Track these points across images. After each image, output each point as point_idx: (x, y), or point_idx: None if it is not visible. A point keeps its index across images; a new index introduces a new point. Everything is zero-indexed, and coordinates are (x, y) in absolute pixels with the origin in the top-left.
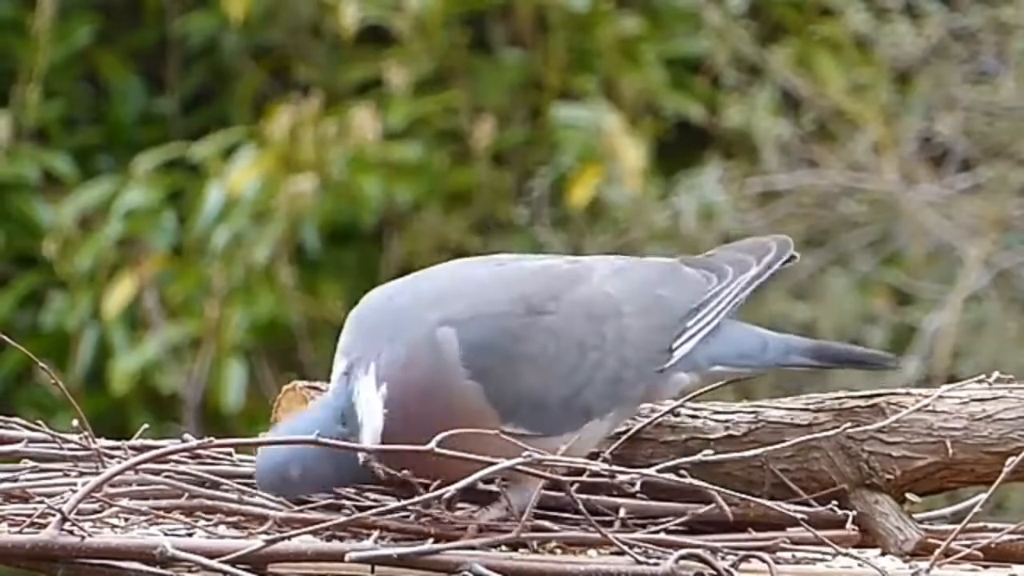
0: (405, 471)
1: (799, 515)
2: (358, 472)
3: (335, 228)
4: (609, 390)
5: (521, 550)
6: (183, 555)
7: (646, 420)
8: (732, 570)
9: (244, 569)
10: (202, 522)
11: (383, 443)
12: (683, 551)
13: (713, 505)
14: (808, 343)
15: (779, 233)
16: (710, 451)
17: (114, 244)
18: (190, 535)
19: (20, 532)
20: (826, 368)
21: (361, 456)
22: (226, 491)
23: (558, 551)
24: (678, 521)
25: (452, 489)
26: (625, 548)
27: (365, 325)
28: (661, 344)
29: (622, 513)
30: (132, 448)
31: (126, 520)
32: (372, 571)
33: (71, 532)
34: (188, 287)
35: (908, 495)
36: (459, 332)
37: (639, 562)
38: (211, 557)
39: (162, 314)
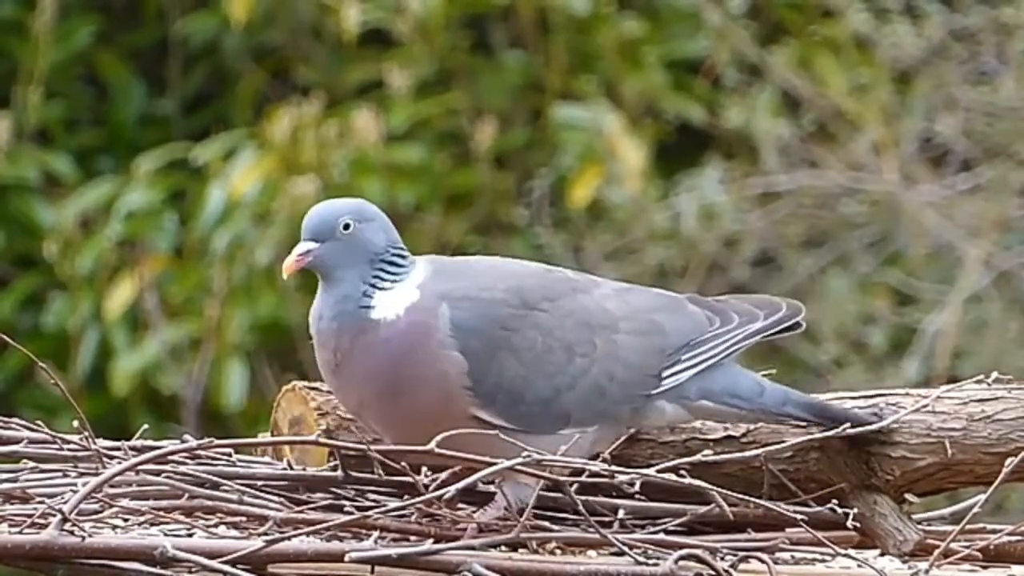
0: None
1: (798, 515)
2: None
3: None
4: (592, 401)
5: (521, 550)
6: (183, 555)
7: None
8: (731, 570)
9: (244, 569)
10: (202, 522)
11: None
12: (683, 551)
13: (713, 505)
14: (807, 399)
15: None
16: (709, 451)
17: (115, 245)
18: (190, 535)
19: (20, 532)
20: (820, 426)
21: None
22: (226, 491)
23: (558, 551)
24: (677, 521)
25: (452, 489)
26: (625, 549)
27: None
28: (651, 368)
29: (621, 514)
30: (132, 449)
31: (126, 520)
32: (372, 571)
33: (71, 532)
34: (189, 288)
35: (907, 495)
36: (451, 309)
37: (639, 562)
38: (211, 557)
39: (163, 315)
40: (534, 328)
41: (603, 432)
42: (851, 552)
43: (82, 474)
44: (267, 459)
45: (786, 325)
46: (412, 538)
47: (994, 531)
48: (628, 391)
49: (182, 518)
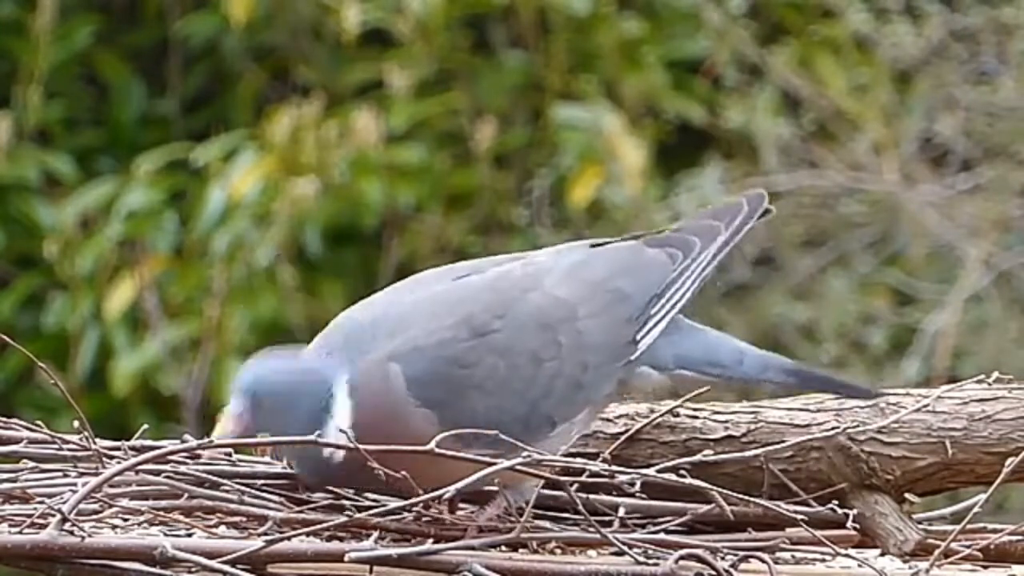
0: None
1: (798, 515)
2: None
3: (336, 229)
4: (572, 396)
5: (521, 550)
6: (183, 555)
7: (646, 420)
8: (732, 570)
9: (244, 569)
10: (202, 522)
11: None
12: (683, 551)
13: (713, 505)
14: (788, 363)
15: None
16: (710, 451)
17: (115, 245)
18: (190, 535)
19: (20, 532)
20: (803, 390)
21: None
22: (226, 491)
23: (558, 551)
24: (678, 521)
25: (452, 490)
26: (625, 548)
27: (337, 337)
28: (624, 337)
29: (621, 513)
30: (132, 448)
31: (126, 520)
32: (371, 571)
33: (71, 532)
34: (189, 288)
35: (908, 495)
36: (404, 367)
37: (639, 562)
38: (211, 557)
39: (163, 315)
40: (492, 353)
41: (591, 414)
42: (851, 552)
43: (82, 474)
44: (267, 459)
45: (753, 220)
46: (412, 538)
47: (995, 531)
48: (605, 370)
49: (182, 518)
